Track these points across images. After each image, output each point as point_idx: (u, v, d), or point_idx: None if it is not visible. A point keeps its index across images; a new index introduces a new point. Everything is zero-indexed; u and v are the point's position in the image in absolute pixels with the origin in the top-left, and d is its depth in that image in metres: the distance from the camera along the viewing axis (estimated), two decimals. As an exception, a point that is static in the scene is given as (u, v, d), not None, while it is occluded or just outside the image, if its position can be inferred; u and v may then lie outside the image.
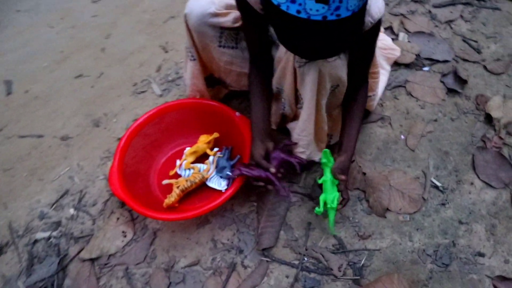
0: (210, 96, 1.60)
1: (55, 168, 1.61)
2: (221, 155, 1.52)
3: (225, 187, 1.46)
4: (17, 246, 1.43)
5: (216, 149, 1.54)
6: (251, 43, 1.33)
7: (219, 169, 1.48)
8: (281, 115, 1.44)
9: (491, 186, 1.41)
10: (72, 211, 1.50)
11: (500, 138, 1.51)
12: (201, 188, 1.49)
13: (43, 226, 1.47)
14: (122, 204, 1.48)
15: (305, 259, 1.32)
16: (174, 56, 1.92)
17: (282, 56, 1.22)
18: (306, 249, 1.33)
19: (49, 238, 1.44)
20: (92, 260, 1.37)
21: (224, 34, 1.35)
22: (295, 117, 1.41)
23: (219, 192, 1.47)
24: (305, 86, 1.16)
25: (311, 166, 1.50)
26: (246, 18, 1.22)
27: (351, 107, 1.30)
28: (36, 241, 1.44)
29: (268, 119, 1.38)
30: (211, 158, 1.51)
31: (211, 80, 1.58)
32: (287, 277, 1.29)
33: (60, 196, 1.53)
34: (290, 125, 1.41)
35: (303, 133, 1.28)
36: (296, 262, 1.31)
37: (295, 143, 1.34)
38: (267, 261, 1.32)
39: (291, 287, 1.27)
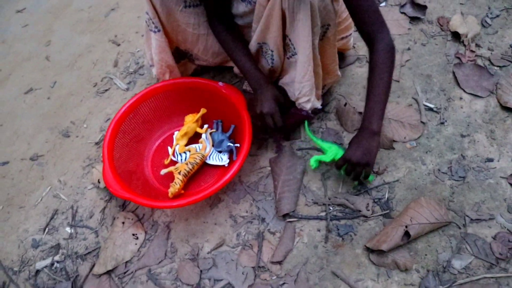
0: (179, 72, 1.51)
1: (33, 191, 1.43)
2: (214, 130, 1.44)
3: (227, 160, 1.39)
4: (17, 284, 1.26)
5: (205, 126, 1.45)
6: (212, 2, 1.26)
7: (217, 144, 1.40)
8: (268, 72, 1.38)
9: (478, 96, 1.46)
10: (68, 229, 1.35)
11: (472, 51, 1.57)
12: (202, 169, 1.40)
13: (41, 254, 1.31)
14: (123, 207, 1.36)
15: (331, 208, 1.29)
16: (128, 48, 1.78)
17: (264, 4, 1.15)
18: (329, 199, 1.30)
19: (52, 264, 1.29)
20: (109, 273, 1.25)
21: None
22: (283, 71, 1.36)
23: (222, 167, 1.39)
24: (298, 26, 1.11)
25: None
26: None
27: (371, 73, 1.17)
28: (37, 271, 1.28)
29: (261, 70, 1.32)
30: (204, 135, 1.42)
31: (177, 54, 1.49)
32: (319, 230, 1.25)
33: (50, 218, 1.37)
34: (284, 81, 1.35)
35: (304, 78, 1.22)
36: (323, 214, 1.28)
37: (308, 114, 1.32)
38: (293, 221, 1.28)
39: (326, 239, 1.23)
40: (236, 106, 1.35)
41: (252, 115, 1.31)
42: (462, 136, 1.39)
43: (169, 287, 1.21)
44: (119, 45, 1.81)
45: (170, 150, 1.43)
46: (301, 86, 1.25)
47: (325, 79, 1.37)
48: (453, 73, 1.53)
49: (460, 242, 1.18)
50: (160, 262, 1.26)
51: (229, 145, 1.36)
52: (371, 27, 1.15)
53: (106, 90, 1.65)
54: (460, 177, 1.30)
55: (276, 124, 1.26)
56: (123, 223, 1.32)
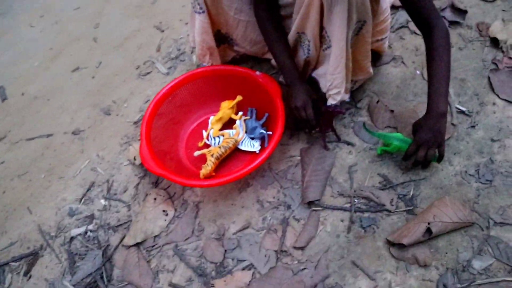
0: (219, 56, 1.57)
1: (73, 163, 1.53)
2: (248, 117, 1.49)
3: (259, 147, 1.44)
4: (53, 248, 1.36)
5: (240, 113, 1.51)
6: None
7: (250, 131, 1.45)
8: (304, 62, 1.42)
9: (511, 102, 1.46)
10: (103, 202, 1.43)
11: (510, 58, 1.56)
12: (233, 154, 1.46)
13: (76, 223, 1.40)
14: (156, 184, 1.43)
15: (356, 200, 1.32)
16: (172, 34, 1.86)
17: None
18: (355, 191, 1.33)
19: (85, 232, 1.37)
20: (138, 245, 1.32)
21: None
22: (318, 63, 1.40)
23: (253, 154, 1.44)
24: (334, 18, 1.15)
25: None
26: None
27: (431, 57, 1.24)
28: (72, 238, 1.37)
29: (296, 65, 1.36)
30: (238, 122, 1.48)
31: (218, 37, 1.54)
32: (342, 221, 1.29)
33: (87, 189, 1.46)
34: (318, 72, 1.40)
35: (336, 71, 1.26)
36: (348, 206, 1.31)
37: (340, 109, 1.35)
38: (318, 210, 1.32)
39: (348, 230, 1.26)
40: (271, 95, 1.40)
41: (286, 109, 1.35)
42: (493, 140, 1.38)
43: (194, 263, 1.27)
44: (163, 31, 1.90)
45: (204, 134, 1.49)
46: (333, 78, 1.29)
47: (356, 75, 1.40)
48: (488, 78, 1.52)
49: (482, 243, 1.19)
50: (187, 239, 1.32)
51: (261, 132, 1.41)
52: (428, 15, 1.23)
53: (148, 73, 1.73)
54: (487, 180, 1.30)
55: (308, 117, 1.30)
56: (154, 199, 1.39)
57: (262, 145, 1.45)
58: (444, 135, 1.24)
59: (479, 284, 1.13)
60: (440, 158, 1.28)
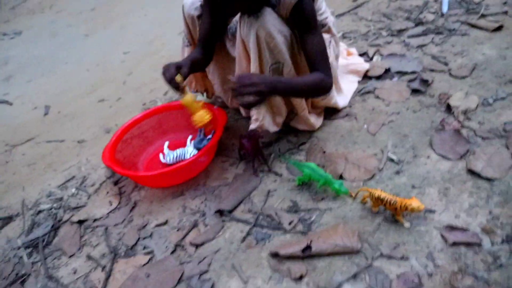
0: (203, 85, 1.91)
1: (67, 162, 1.92)
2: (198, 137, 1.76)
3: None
4: (24, 216, 1.68)
5: (190, 136, 1.79)
6: (203, 29, 1.63)
7: (197, 143, 1.70)
8: None
9: (447, 158, 1.46)
10: (73, 190, 1.75)
11: (459, 121, 1.58)
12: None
13: (48, 201, 1.72)
14: (115, 183, 1.71)
15: (260, 217, 1.42)
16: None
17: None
18: (261, 210, 1.43)
19: (50, 209, 1.68)
20: (80, 223, 1.58)
21: None
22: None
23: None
24: (250, 49, 1.42)
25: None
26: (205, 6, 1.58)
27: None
28: (40, 211, 1.68)
29: (190, 61, 1.55)
30: (188, 142, 1.75)
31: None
32: (241, 232, 1.39)
33: (67, 180, 1.80)
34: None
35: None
36: (252, 220, 1.41)
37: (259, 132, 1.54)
38: (225, 220, 1.44)
39: (243, 240, 1.35)
40: (219, 121, 1.65)
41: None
42: (413, 187, 1.39)
43: (112, 243, 1.46)
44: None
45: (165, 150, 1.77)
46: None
47: (298, 123, 1.65)
48: (431, 136, 1.56)
49: (361, 271, 1.18)
50: (116, 225, 1.53)
51: (204, 144, 1.66)
52: (317, 66, 1.42)
53: (149, 107, 2.13)
54: (393, 218, 1.30)
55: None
56: (107, 192, 1.67)
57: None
58: (260, 87, 1.30)
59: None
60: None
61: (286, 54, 1.44)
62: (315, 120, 1.69)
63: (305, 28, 1.43)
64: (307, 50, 1.42)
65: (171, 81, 1.43)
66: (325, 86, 1.44)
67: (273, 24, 1.39)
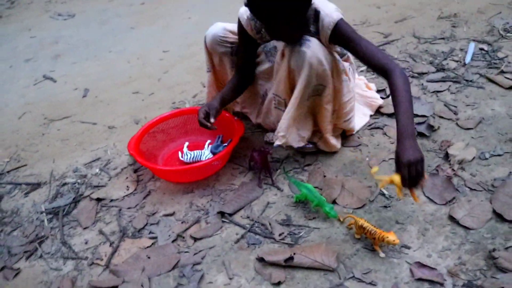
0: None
1: (97, 144, 2.13)
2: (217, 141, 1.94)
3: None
4: (51, 185, 1.90)
5: (208, 141, 1.97)
6: (241, 58, 1.82)
7: (214, 148, 1.88)
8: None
9: (433, 201, 1.59)
10: (97, 170, 1.96)
11: (453, 170, 1.71)
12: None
13: (73, 176, 1.94)
14: (135, 171, 1.91)
15: (256, 224, 1.58)
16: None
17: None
18: (258, 218, 1.60)
19: (74, 183, 1.89)
20: (98, 200, 1.78)
21: (234, 46, 1.86)
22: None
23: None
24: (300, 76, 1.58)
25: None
26: (241, 39, 1.75)
27: (395, 94, 1.42)
28: (64, 184, 1.90)
29: (222, 97, 1.79)
30: (206, 145, 1.93)
31: None
32: (236, 234, 1.56)
33: (93, 160, 2.02)
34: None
35: (285, 117, 1.65)
36: (248, 226, 1.58)
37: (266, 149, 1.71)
38: (225, 221, 1.61)
39: (237, 241, 1.52)
40: (236, 131, 1.83)
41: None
42: (397, 222, 1.53)
43: (123, 224, 1.66)
44: (204, 87, 2.46)
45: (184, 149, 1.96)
46: (282, 122, 1.67)
47: (322, 126, 1.76)
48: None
49: (332, 287, 1.33)
50: (129, 208, 1.73)
51: (221, 150, 1.85)
52: (380, 62, 1.50)
53: (178, 108, 2.33)
54: (371, 247, 1.45)
55: None
56: (126, 178, 1.87)
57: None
58: (420, 150, 1.35)
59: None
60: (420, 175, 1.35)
61: (330, 78, 1.62)
62: (336, 142, 1.85)
63: (351, 42, 1.55)
64: (365, 55, 1.51)
65: (201, 124, 1.71)
66: (404, 75, 1.45)
67: (322, 53, 1.55)
